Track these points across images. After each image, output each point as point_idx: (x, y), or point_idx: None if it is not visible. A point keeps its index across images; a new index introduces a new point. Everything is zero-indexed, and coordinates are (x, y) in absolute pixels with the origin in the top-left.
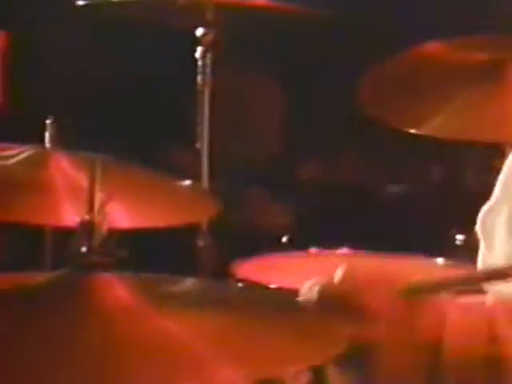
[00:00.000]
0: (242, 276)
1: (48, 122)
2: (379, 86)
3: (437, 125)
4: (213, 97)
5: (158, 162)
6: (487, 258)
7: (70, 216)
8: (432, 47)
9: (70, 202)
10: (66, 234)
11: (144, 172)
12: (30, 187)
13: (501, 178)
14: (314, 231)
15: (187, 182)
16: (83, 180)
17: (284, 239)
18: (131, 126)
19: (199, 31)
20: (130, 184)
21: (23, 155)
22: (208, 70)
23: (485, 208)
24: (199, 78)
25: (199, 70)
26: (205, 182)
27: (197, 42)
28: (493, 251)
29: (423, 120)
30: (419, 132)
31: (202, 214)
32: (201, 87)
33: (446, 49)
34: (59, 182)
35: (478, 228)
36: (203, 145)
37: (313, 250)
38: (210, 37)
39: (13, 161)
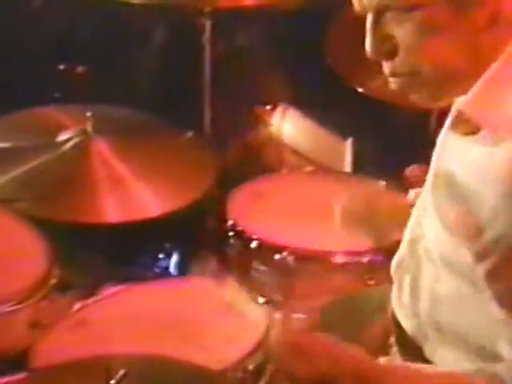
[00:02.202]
0: (236, 206)
1: (88, 114)
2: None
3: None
4: (213, 52)
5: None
6: (401, 298)
7: (112, 212)
8: None
9: (112, 197)
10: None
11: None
12: (76, 181)
13: (408, 232)
14: None
15: (190, 134)
16: (122, 170)
17: None
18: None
19: None
20: (150, 163)
21: (70, 143)
22: (208, 32)
23: (395, 258)
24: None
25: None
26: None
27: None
28: (402, 297)
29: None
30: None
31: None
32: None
33: None
34: (100, 174)
35: (392, 271)
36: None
37: None
38: (208, 8)
39: (62, 149)
